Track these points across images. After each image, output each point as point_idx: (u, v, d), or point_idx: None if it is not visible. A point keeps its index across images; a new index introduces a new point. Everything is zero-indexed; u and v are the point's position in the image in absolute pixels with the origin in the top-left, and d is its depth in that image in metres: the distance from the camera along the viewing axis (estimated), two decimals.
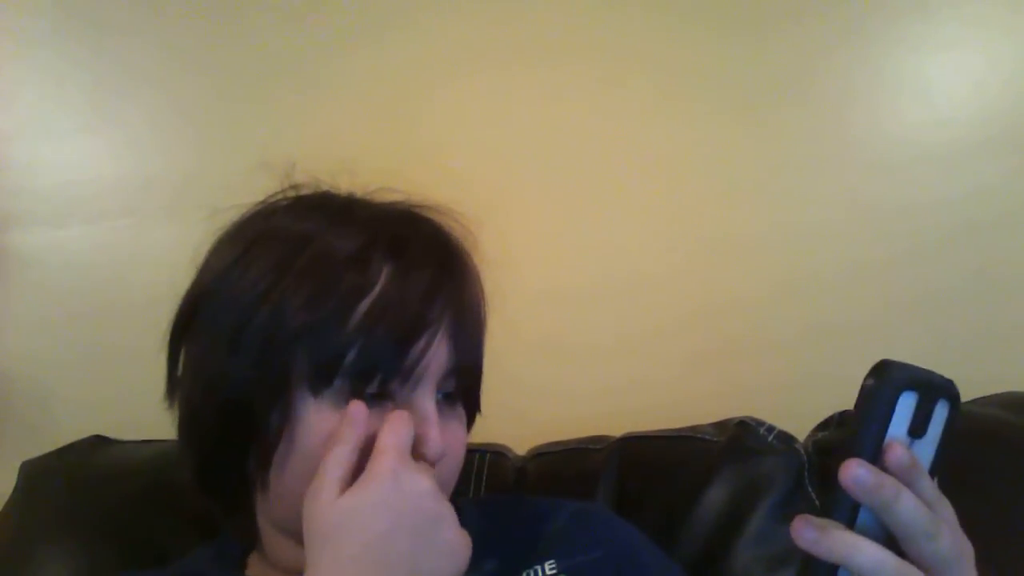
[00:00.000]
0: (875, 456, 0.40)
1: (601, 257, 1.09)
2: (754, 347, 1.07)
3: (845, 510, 0.41)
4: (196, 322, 0.62)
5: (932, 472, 0.42)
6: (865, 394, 0.41)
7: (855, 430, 0.41)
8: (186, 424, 0.62)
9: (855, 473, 0.40)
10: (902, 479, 0.40)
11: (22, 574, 0.77)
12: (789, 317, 1.07)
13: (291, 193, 0.65)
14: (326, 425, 0.56)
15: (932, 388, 0.42)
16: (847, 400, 0.93)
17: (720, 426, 0.89)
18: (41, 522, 0.80)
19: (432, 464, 0.57)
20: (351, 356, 0.56)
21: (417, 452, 0.56)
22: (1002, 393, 0.92)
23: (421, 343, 0.57)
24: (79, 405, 1.04)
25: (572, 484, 0.86)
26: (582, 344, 1.07)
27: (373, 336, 0.56)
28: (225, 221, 0.64)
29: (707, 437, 0.88)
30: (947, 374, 1.16)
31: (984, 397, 0.92)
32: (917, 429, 0.42)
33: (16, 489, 0.84)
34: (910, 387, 0.41)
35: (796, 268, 1.08)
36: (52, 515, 0.80)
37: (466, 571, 0.60)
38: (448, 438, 0.59)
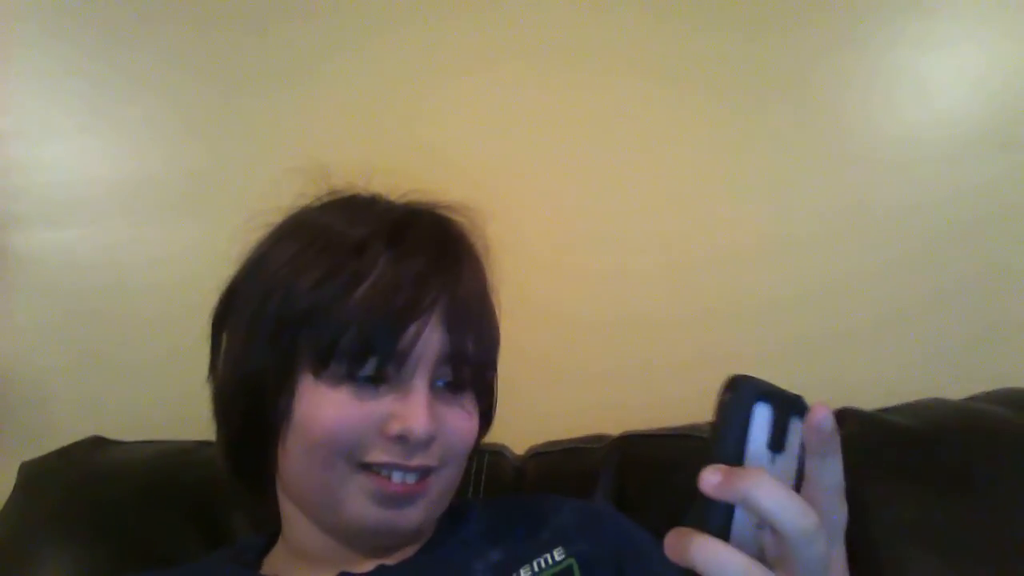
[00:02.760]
0: (736, 464, 0.40)
1: (599, 256, 1.09)
2: (754, 346, 1.07)
3: (719, 516, 0.41)
4: (231, 310, 0.65)
5: (796, 487, 0.42)
6: (722, 406, 0.41)
7: (714, 441, 0.41)
8: (216, 406, 0.65)
9: (708, 477, 0.40)
10: (822, 448, 0.39)
11: (22, 574, 0.77)
12: (788, 316, 1.07)
13: (326, 197, 0.68)
14: (323, 405, 0.58)
15: (785, 402, 0.42)
16: (848, 398, 0.92)
17: None
18: (40, 523, 0.80)
19: (423, 445, 0.58)
20: (347, 338, 0.58)
21: (404, 436, 0.57)
22: (1002, 389, 0.92)
23: (414, 327, 0.59)
24: (78, 406, 1.04)
25: (571, 483, 0.86)
26: (584, 342, 1.07)
27: (368, 319, 0.58)
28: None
29: (706, 435, 0.87)
30: (947, 370, 1.15)
31: (984, 393, 0.92)
32: (776, 443, 0.42)
33: (15, 490, 0.84)
34: (764, 399, 0.41)
35: (796, 266, 1.08)
36: (51, 516, 0.80)
37: (474, 561, 0.61)
38: (448, 421, 0.61)
